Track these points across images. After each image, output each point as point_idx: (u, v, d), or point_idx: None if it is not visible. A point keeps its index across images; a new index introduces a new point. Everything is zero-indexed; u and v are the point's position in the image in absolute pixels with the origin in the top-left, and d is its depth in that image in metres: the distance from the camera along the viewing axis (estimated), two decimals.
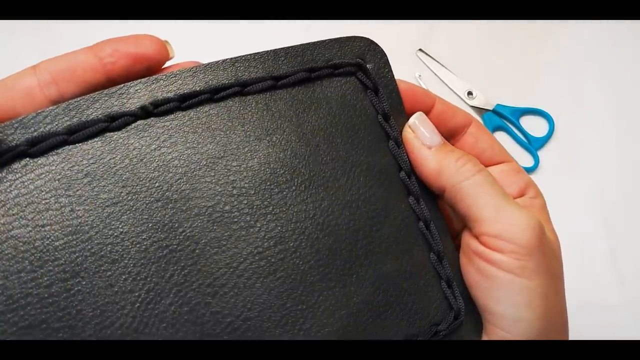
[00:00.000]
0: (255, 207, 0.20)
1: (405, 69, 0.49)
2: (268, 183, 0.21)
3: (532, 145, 0.47)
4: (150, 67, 0.20)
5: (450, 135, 0.25)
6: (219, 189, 0.20)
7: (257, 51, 0.22)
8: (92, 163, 0.19)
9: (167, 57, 0.21)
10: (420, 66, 0.50)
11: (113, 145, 0.19)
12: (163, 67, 0.21)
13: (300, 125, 0.22)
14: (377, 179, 0.22)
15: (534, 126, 0.48)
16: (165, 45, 0.21)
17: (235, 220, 0.20)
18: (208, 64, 0.21)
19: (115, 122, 0.19)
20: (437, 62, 0.49)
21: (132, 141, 0.19)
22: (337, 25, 0.49)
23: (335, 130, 0.22)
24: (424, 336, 0.22)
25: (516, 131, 0.48)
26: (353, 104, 0.23)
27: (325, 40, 0.23)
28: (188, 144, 0.20)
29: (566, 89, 0.49)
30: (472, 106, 0.48)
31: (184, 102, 0.20)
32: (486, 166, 0.25)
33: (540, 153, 0.47)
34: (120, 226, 0.19)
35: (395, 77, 0.24)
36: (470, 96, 0.48)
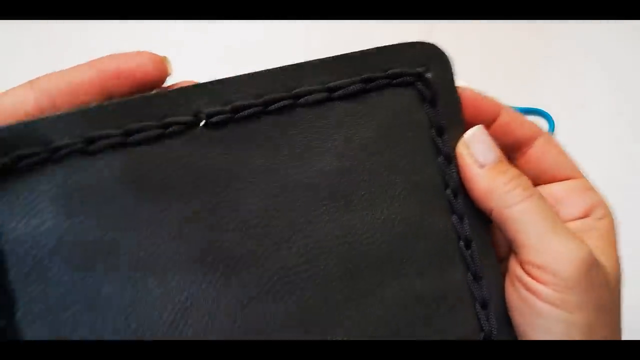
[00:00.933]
0: (292, 223, 0.20)
1: None
2: (308, 199, 0.20)
3: None
4: (148, 83, 0.20)
5: (516, 147, 0.24)
6: (261, 204, 0.20)
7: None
8: (135, 171, 0.19)
9: (167, 74, 0.20)
10: None
11: (161, 153, 0.19)
12: (162, 85, 0.21)
13: (348, 139, 0.21)
14: (420, 195, 0.22)
15: None
16: (164, 61, 0.20)
17: (271, 235, 0.20)
18: (256, 73, 0.20)
19: (167, 130, 0.19)
20: None
21: (180, 151, 0.19)
22: (337, 25, 0.49)
23: (384, 144, 0.22)
24: None
25: None
26: (407, 116, 0.22)
27: (385, 47, 0.22)
28: (236, 156, 0.20)
29: (566, 89, 0.49)
30: None
31: (236, 113, 0.20)
32: (552, 182, 0.24)
33: None
34: (159, 241, 0.18)
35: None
36: None
